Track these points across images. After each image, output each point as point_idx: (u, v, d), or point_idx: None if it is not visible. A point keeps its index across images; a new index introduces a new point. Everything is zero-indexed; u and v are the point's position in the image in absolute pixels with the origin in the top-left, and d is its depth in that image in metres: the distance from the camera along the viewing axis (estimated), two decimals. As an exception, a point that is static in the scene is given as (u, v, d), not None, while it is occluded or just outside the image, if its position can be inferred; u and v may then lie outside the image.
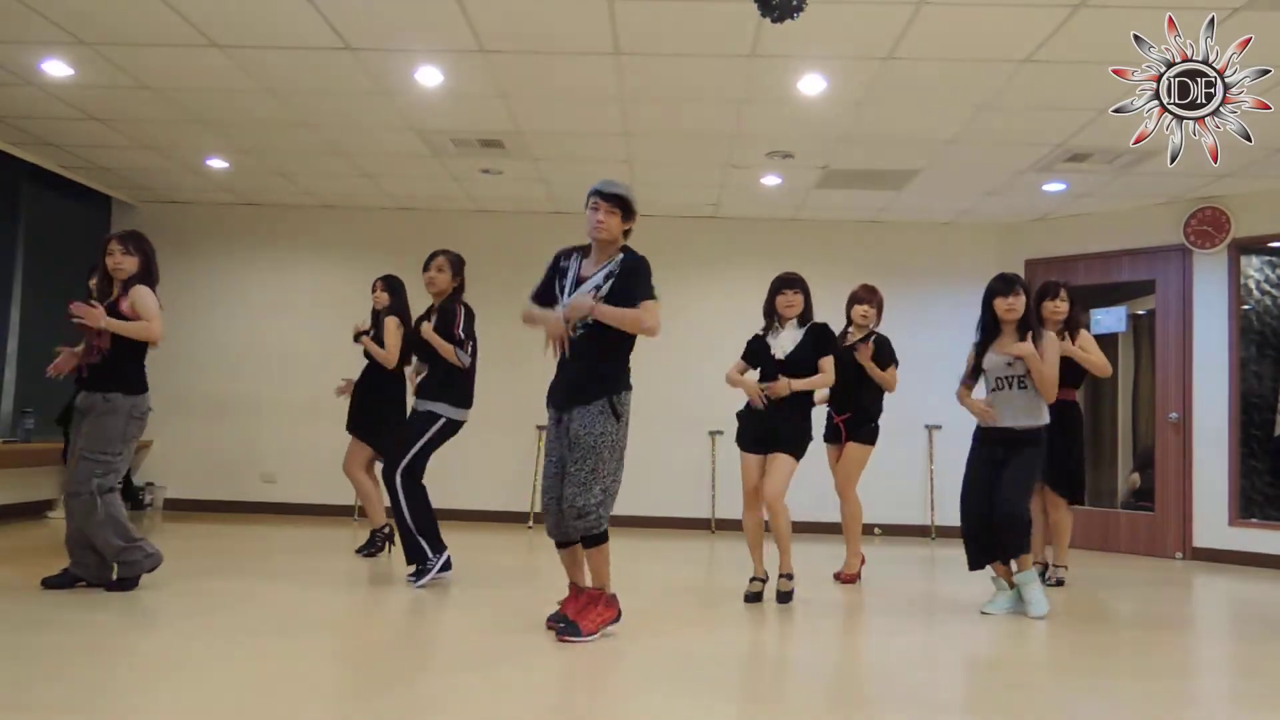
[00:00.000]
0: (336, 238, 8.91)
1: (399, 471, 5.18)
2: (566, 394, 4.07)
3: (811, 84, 5.58)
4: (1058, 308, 5.64)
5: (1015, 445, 4.86)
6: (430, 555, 5.20)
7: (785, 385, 5.00)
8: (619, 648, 3.97)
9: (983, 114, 5.94)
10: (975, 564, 4.98)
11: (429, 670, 3.76)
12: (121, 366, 4.69)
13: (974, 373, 5.01)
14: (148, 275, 4.86)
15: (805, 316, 5.17)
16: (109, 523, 4.60)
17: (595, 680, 3.61)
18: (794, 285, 5.14)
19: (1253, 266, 7.74)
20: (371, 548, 6.33)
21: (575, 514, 3.95)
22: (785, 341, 5.13)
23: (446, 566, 5.31)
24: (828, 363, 5.10)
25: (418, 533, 5.19)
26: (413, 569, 5.24)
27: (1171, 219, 7.73)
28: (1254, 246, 7.60)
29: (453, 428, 5.33)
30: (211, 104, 6.28)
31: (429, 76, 5.66)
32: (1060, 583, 5.78)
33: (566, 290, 4.12)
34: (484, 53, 5.31)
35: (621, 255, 4.11)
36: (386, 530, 6.32)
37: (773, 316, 5.24)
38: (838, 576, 5.81)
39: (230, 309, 8.86)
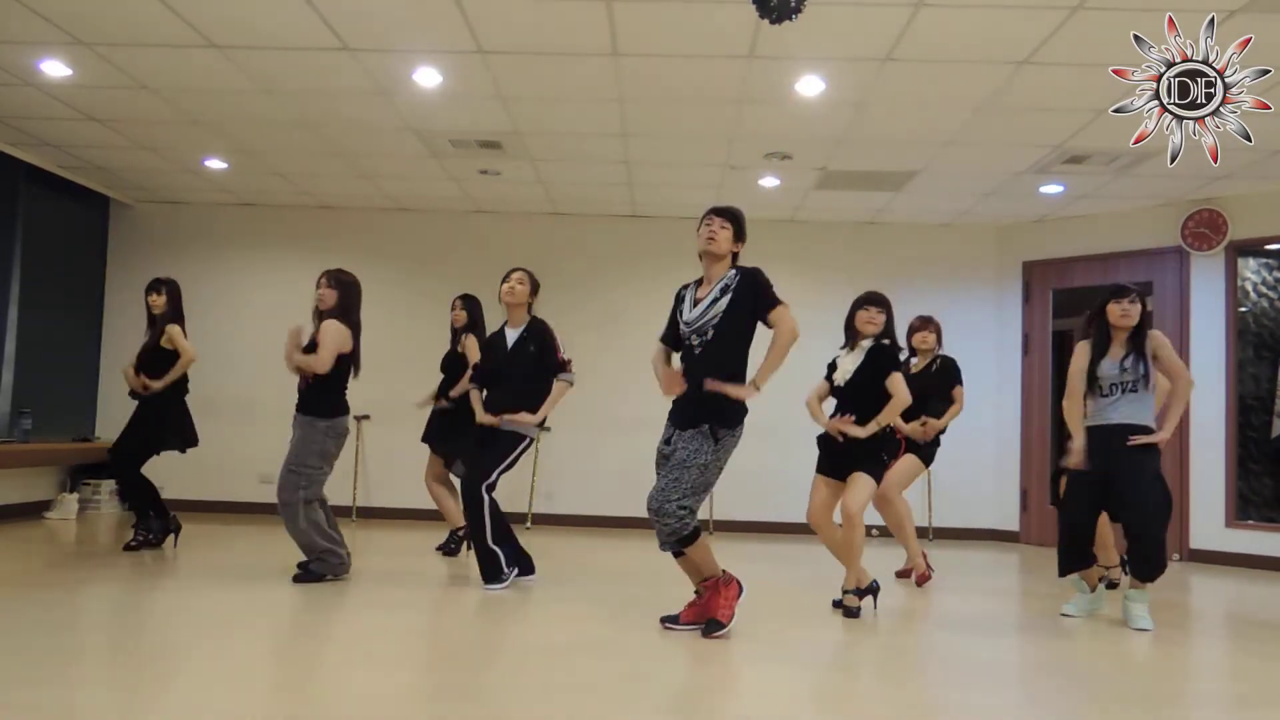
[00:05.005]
0: (334, 238, 8.88)
1: (485, 487, 5.20)
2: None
3: (810, 85, 5.58)
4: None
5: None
6: (505, 569, 5.24)
7: (861, 431, 4.73)
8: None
9: (981, 115, 5.95)
10: (1066, 570, 4.97)
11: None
12: (314, 394, 5.23)
13: (1090, 381, 4.81)
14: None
15: (884, 335, 4.93)
16: (311, 528, 5.12)
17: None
18: (878, 303, 4.93)
19: (1250, 268, 7.75)
20: (452, 544, 6.51)
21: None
22: (848, 364, 4.91)
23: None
24: (895, 381, 4.81)
25: (496, 544, 5.22)
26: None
27: (1169, 221, 7.74)
28: (1251, 248, 7.61)
29: (530, 445, 5.43)
30: (209, 104, 6.27)
31: (427, 77, 5.66)
32: (1113, 585, 5.69)
33: (684, 312, 4.30)
34: (482, 53, 5.31)
35: (734, 271, 4.26)
36: (462, 533, 6.39)
37: (852, 334, 5.00)
38: (904, 574, 6.03)
39: (227, 309, 8.84)
